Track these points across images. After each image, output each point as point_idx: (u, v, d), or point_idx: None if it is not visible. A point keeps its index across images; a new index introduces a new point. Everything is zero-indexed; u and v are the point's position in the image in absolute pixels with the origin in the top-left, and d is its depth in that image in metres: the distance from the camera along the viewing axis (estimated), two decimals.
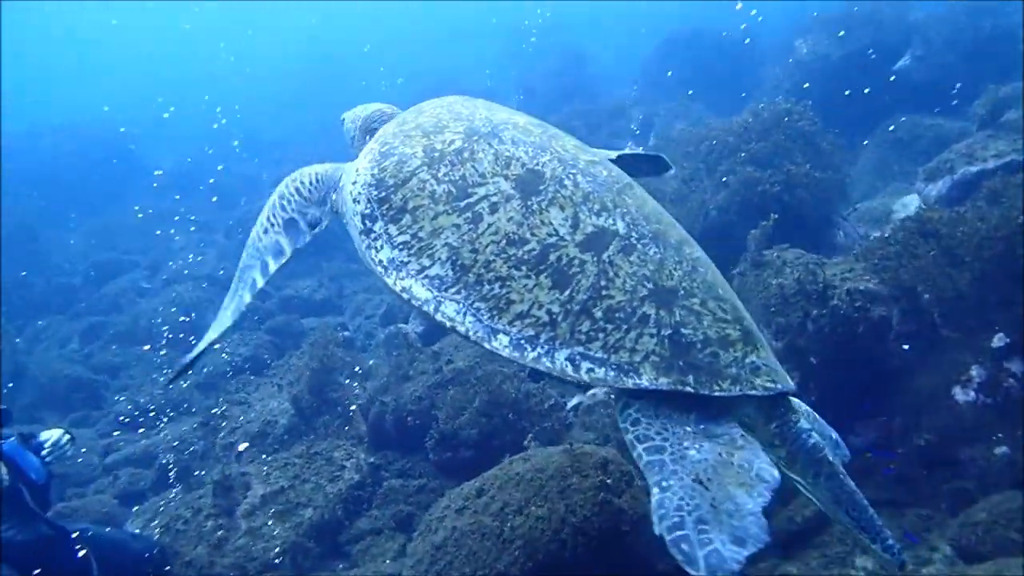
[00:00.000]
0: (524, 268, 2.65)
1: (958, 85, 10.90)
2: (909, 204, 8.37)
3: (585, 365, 2.50)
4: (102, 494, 7.64)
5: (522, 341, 2.60)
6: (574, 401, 6.53)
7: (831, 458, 2.54)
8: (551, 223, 2.69)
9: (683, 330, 2.49)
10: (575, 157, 2.91)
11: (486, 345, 2.66)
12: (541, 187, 2.78)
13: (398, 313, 10.69)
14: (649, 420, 2.46)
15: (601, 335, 2.51)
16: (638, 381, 2.45)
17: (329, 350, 7.40)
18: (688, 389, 2.42)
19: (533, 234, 2.69)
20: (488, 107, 3.30)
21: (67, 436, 5.21)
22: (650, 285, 2.56)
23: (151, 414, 8.99)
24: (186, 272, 13.47)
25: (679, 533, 2.09)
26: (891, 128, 10.45)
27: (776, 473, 2.25)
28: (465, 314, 2.71)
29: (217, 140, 23.00)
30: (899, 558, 2.51)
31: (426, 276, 2.82)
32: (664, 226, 2.74)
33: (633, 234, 2.67)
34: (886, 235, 5.45)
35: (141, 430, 8.82)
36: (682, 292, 2.56)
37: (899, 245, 5.10)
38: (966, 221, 4.95)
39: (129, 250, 15.74)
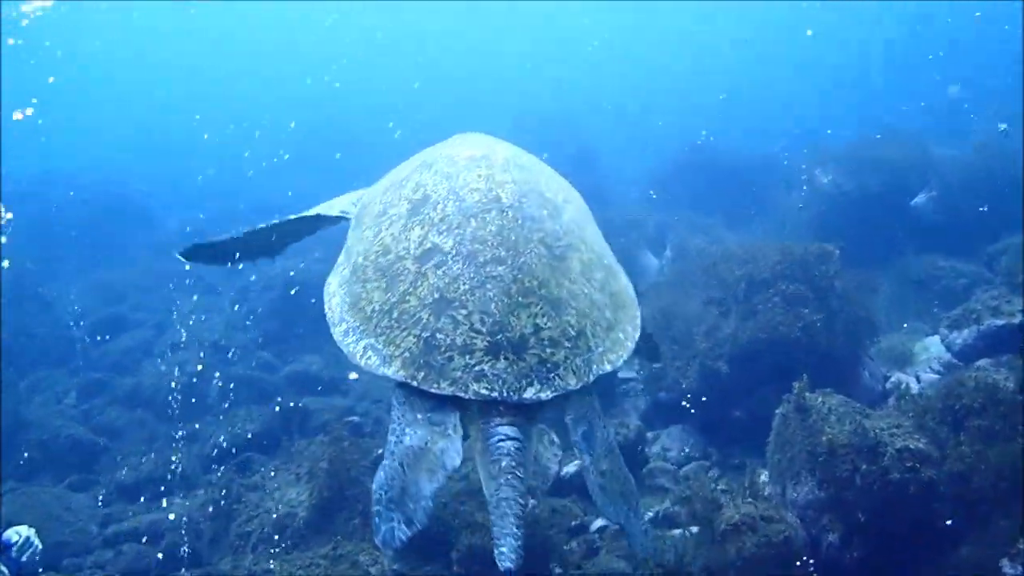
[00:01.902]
0: (378, 273, 3.17)
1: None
2: (931, 347, 8.57)
3: (369, 353, 2.98)
4: (102, 570, 7.45)
5: (348, 329, 3.10)
6: (599, 523, 6.50)
7: (495, 467, 2.81)
8: (408, 239, 3.19)
9: (438, 335, 2.89)
10: (463, 186, 3.32)
11: (332, 330, 3.21)
12: (422, 210, 3.27)
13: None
14: (400, 406, 2.96)
15: (388, 331, 2.97)
16: (386, 370, 2.92)
17: (343, 447, 7.32)
18: (414, 383, 2.86)
19: (396, 247, 3.20)
20: (462, 143, 3.81)
21: (33, 530, 5.05)
22: (437, 295, 2.97)
23: (156, 487, 8.83)
24: (186, 339, 13.36)
25: (377, 508, 2.71)
26: (910, 271, 10.73)
27: (457, 462, 2.78)
28: (339, 305, 3.26)
29: (224, 199, 23.07)
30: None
31: (341, 274, 3.44)
32: (482, 246, 3.07)
33: (452, 252, 3.06)
34: (927, 396, 5.56)
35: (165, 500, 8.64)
36: (456, 303, 2.94)
37: (941, 418, 5.20)
38: (1007, 397, 5.06)
39: (135, 307, 15.63)
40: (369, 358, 2.97)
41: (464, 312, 2.91)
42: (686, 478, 7.23)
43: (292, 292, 13.53)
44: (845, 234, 11.25)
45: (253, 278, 15.05)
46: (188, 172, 26.45)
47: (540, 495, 6.83)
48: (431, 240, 3.13)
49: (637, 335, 3.35)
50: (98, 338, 14.19)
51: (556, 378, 2.91)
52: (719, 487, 6.00)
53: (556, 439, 7.53)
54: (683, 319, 8.45)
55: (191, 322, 13.93)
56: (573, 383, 2.95)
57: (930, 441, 5.04)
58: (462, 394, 2.83)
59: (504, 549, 2.65)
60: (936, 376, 7.85)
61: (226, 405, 10.96)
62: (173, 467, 9.23)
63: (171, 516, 7.78)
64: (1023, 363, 5.50)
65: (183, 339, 13.37)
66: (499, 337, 2.89)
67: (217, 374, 11.67)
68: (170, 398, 11.30)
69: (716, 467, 7.52)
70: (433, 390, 2.84)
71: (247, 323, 13.89)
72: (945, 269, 10.59)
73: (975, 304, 8.16)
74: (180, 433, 10.20)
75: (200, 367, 12.03)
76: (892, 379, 8.05)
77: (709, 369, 7.78)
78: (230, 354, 12.66)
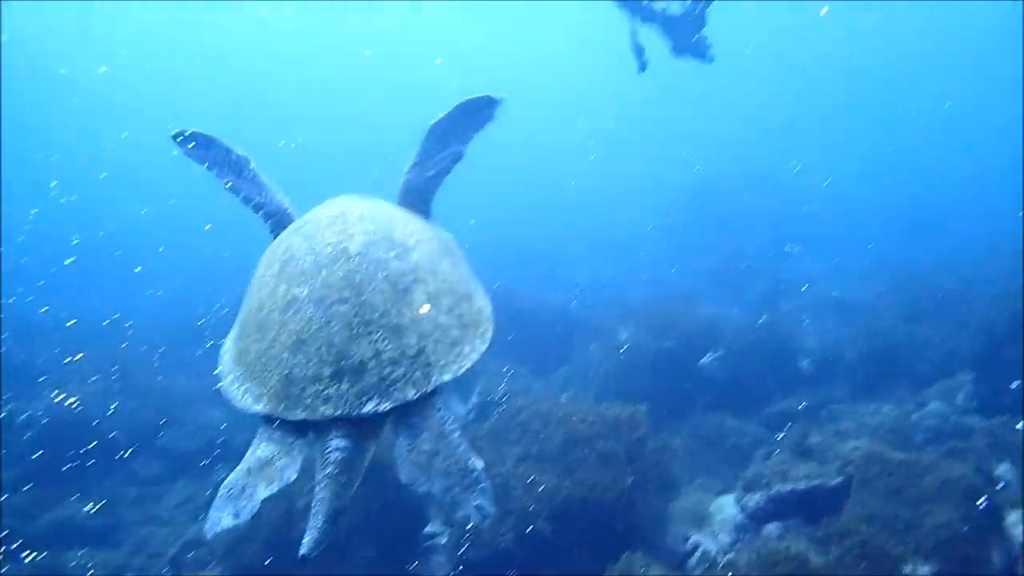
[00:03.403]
0: (255, 327, 3.65)
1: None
2: (724, 507, 9.01)
3: (246, 396, 3.45)
4: None
5: (233, 379, 3.59)
6: None
7: (322, 474, 3.23)
8: (277, 294, 3.65)
9: (295, 370, 3.36)
10: (320, 242, 3.78)
11: (221, 382, 3.69)
12: (288, 268, 3.73)
13: (188, 551, 9.73)
14: (263, 427, 3.47)
15: (261, 374, 3.45)
16: (258, 407, 3.39)
17: None
18: (276, 414, 3.33)
19: (268, 302, 3.66)
20: (331, 205, 4.21)
21: None
22: (295, 337, 3.43)
23: None
24: None
25: (216, 501, 3.20)
26: (700, 429, 11.40)
27: (293, 477, 3.23)
28: (228, 361, 3.78)
29: None
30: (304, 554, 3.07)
31: (232, 334, 3.96)
32: (329, 290, 3.53)
33: (306, 299, 3.52)
34: (745, 563, 5.82)
35: None
36: (308, 341, 3.40)
37: None
38: (816, 571, 5.40)
39: None
40: (246, 400, 3.43)
41: (314, 347, 3.36)
42: None
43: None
44: (643, 388, 11.89)
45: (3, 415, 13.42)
46: None
47: None
48: (292, 292, 3.57)
49: (484, 347, 3.79)
50: None
51: (395, 391, 3.32)
52: None
53: None
54: (499, 474, 8.41)
55: None
56: (411, 394, 3.35)
57: None
58: (312, 417, 3.26)
59: (306, 539, 3.06)
60: (732, 538, 8.26)
61: None
62: None
63: None
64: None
65: None
66: (342, 364, 3.33)
67: None
68: None
69: None
70: (290, 418, 3.30)
71: None
72: (732, 428, 11.33)
73: (765, 469, 8.75)
74: None
75: None
76: (691, 539, 8.37)
77: (525, 526, 7.72)
78: None
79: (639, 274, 23.28)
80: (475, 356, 3.69)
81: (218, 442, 12.50)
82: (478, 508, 3.28)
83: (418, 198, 4.49)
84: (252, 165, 4.54)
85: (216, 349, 4.06)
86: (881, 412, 10.89)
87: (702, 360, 13.07)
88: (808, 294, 17.62)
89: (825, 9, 47.68)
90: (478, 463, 3.41)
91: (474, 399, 12.98)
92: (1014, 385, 9.89)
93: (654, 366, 12.68)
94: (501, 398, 12.16)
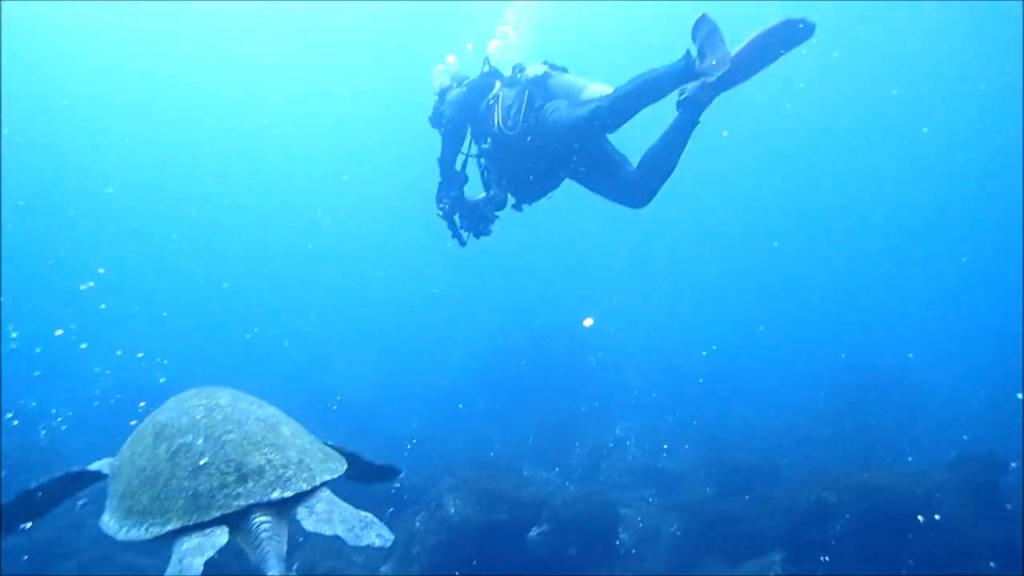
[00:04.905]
0: (141, 485, 3.96)
1: None
2: None
3: (150, 529, 3.72)
4: None
5: (127, 528, 3.83)
6: None
7: (257, 538, 3.66)
8: (158, 453, 4.06)
9: (199, 488, 3.80)
10: (191, 407, 4.35)
11: (115, 536, 3.90)
12: (163, 433, 4.20)
13: None
14: (178, 539, 3.66)
15: (160, 508, 3.78)
16: (167, 527, 3.71)
17: None
18: (191, 523, 3.67)
19: (150, 463, 4.04)
20: (186, 393, 4.69)
21: None
22: (191, 468, 3.88)
23: None
24: None
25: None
26: None
27: (223, 540, 3.62)
28: (115, 522, 3.96)
29: None
30: None
31: (110, 506, 4.18)
32: (214, 428, 4.12)
33: (190, 442, 4.03)
34: None
35: None
36: (205, 466, 3.89)
37: None
38: None
39: None
40: (149, 531, 3.71)
41: (213, 467, 3.86)
42: None
43: None
44: (469, 564, 11.63)
45: None
46: None
47: None
48: (176, 443, 4.05)
49: (344, 469, 4.37)
50: None
51: (291, 484, 3.93)
52: None
53: None
54: None
55: None
56: (304, 487, 3.97)
57: None
58: (228, 511, 3.69)
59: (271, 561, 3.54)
60: None
61: None
62: None
63: None
64: None
65: None
66: (243, 471, 3.87)
67: None
68: None
69: None
70: (206, 519, 3.66)
71: None
72: None
73: None
74: None
75: None
76: None
77: None
78: None
79: (465, 430, 23.15)
80: (341, 471, 4.36)
81: None
82: (379, 535, 3.83)
83: None
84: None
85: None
86: None
87: (528, 534, 12.98)
88: (627, 461, 18.10)
89: None
90: (368, 514, 3.98)
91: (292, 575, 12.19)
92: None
93: (480, 541, 12.43)
94: None
